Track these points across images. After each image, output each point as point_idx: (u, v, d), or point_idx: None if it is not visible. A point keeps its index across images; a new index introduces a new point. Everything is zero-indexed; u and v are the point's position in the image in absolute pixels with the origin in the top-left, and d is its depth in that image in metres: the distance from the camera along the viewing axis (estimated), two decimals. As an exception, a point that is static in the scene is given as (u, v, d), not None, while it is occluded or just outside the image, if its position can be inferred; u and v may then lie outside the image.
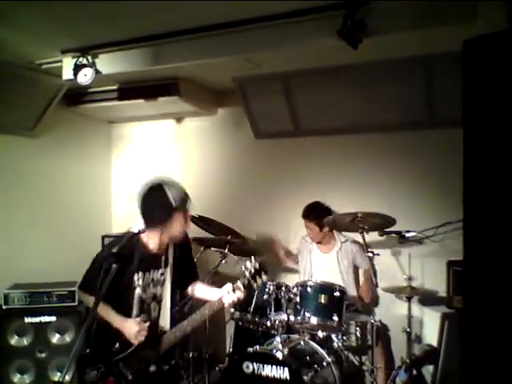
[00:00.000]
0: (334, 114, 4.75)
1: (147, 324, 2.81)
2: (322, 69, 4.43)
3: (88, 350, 2.83)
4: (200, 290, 3.15)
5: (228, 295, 2.83)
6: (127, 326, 2.78)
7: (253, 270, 2.79)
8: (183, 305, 3.68)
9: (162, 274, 2.94)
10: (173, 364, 2.92)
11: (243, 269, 2.82)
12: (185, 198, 2.89)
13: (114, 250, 2.60)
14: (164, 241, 2.90)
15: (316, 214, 4.37)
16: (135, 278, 2.86)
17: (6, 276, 4.50)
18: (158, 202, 2.80)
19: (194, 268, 3.22)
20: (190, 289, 3.16)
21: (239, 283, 2.82)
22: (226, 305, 2.86)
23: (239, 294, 2.83)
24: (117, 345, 2.80)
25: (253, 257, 2.84)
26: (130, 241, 2.78)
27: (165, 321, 2.91)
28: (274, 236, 4.87)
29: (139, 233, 2.80)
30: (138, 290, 2.87)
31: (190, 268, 3.16)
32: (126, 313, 2.85)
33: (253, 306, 3.76)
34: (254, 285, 2.82)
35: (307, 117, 4.95)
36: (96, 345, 2.82)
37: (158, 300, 2.95)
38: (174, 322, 2.93)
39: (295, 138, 5.13)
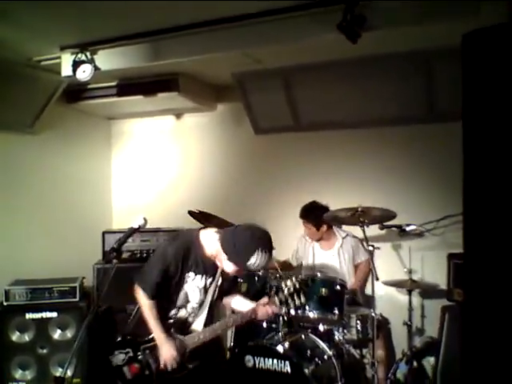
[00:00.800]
0: (333, 108, 4.75)
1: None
2: (321, 64, 4.42)
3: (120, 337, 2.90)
4: (237, 301, 3.19)
5: (263, 308, 2.91)
6: (166, 348, 2.78)
7: (292, 289, 2.83)
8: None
9: (211, 283, 2.96)
10: (198, 364, 2.91)
11: (283, 286, 2.86)
12: (257, 269, 2.82)
13: (115, 246, 2.62)
14: (216, 257, 2.87)
15: (313, 214, 4.38)
16: (186, 276, 2.87)
17: (7, 272, 4.51)
18: (242, 247, 2.70)
19: (236, 286, 3.34)
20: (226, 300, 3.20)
21: (276, 299, 2.88)
22: (260, 317, 2.96)
23: (274, 309, 2.91)
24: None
25: (294, 277, 2.91)
26: (190, 244, 2.85)
27: (199, 327, 2.95)
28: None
29: (199, 230, 2.90)
30: (185, 290, 2.89)
31: (232, 285, 3.20)
32: (168, 308, 2.89)
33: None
34: (291, 304, 2.86)
35: (307, 112, 4.94)
36: (130, 332, 2.90)
37: (200, 306, 2.98)
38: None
39: (295, 133, 5.13)
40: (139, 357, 2.82)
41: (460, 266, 3.91)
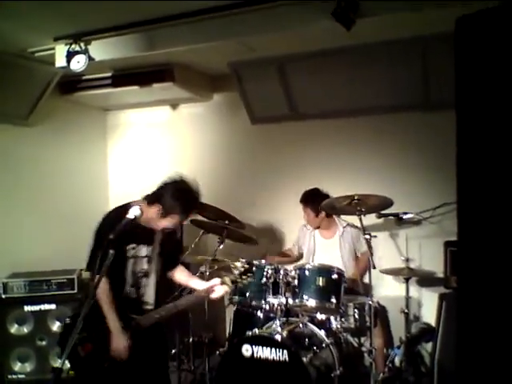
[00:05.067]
0: (329, 97, 4.74)
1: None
2: (317, 52, 4.40)
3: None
4: (181, 275, 3.27)
5: (216, 288, 3.05)
6: (118, 339, 2.83)
7: (241, 269, 3.03)
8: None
9: (152, 251, 3.02)
10: (154, 341, 3.00)
11: (232, 267, 3.10)
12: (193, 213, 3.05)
13: (111, 237, 2.61)
14: (151, 222, 2.94)
15: (312, 199, 4.38)
16: (127, 248, 2.94)
17: (4, 265, 4.52)
18: (173, 198, 2.88)
19: (179, 254, 3.38)
20: (172, 272, 3.26)
21: (227, 278, 3.05)
22: (213, 297, 3.08)
23: (226, 289, 3.09)
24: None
25: (241, 258, 3.13)
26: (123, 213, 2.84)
27: (150, 297, 3.02)
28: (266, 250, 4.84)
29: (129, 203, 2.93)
30: (130, 262, 2.96)
31: (174, 252, 3.28)
32: (121, 285, 2.94)
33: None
34: (240, 283, 3.10)
35: (303, 101, 4.93)
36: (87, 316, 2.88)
37: (147, 276, 3.03)
38: (158, 300, 3.05)
39: (291, 122, 5.11)
40: (93, 337, 2.87)
41: (456, 254, 3.91)
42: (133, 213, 2.74)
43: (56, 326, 4.33)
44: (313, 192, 4.45)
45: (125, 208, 2.80)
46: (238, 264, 3.06)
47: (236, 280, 3.05)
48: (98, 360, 2.86)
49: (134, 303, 2.98)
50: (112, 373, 2.84)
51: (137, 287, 3.00)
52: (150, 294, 3.02)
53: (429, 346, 4.17)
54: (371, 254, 3.71)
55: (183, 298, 3.08)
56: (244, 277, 3.05)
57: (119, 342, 2.82)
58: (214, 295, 3.08)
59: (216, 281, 3.07)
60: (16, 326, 4.30)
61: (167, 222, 2.92)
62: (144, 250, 3.01)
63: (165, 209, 2.87)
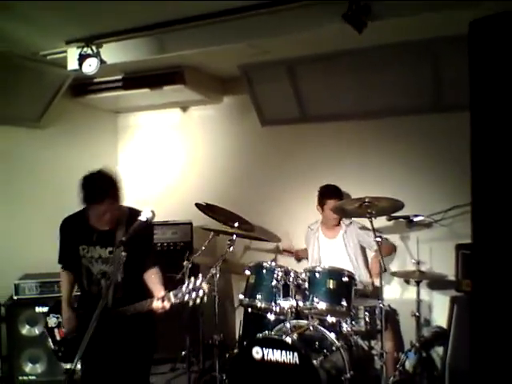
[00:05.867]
0: (340, 99, 4.73)
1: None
2: (327, 54, 4.40)
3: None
4: (149, 279, 3.08)
5: (157, 302, 2.82)
6: (64, 314, 3.11)
7: (191, 286, 2.76)
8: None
9: (111, 253, 2.97)
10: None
11: (186, 282, 2.80)
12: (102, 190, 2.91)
13: (124, 239, 2.63)
14: (93, 220, 2.98)
15: (338, 194, 4.40)
16: (80, 249, 3.01)
17: (16, 266, 4.55)
18: (92, 184, 2.91)
19: (149, 255, 3.14)
20: (143, 274, 3.11)
21: (171, 294, 2.80)
22: (154, 308, 2.84)
23: (166, 305, 2.81)
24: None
25: (201, 276, 2.80)
26: (78, 215, 3.05)
27: (109, 297, 2.87)
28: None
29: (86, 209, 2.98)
30: (84, 262, 3.02)
31: (144, 254, 3.08)
32: (81, 283, 3.07)
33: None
34: (190, 302, 2.76)
35: (313, 103, 4.93)
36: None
37: (106, 277, 3.00)
38: (119, 302, 2.93)
39: (301, 124, 5.11)
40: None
41: (468, 257, 3.89)
42: (145, 215, 2.76)
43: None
44: (336, 187, 4.45)
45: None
46: (192, 280, 2.76)
47: (182, 296, 2.77)
48: (72, 343, 3.01)
49: (95, 301, 2.78)
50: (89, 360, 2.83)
51: (97, 286, 3.02)
52: (109, 294, 2.86)
53: (439, 349, 4.15)
54: (382, 257, 3.70)
55: (132, 305, 2.89)
56: (194, 295, 2.74)
57: (65, 320, 3.07)
58: (154, 306, 2.84)
59: (161, 293, 2.86)
60: (27, 327, 4.33)
61: (94, 212, 2.92)
62: (97, 252, 3.00)
63: (82, 201, 2.90)
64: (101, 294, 2.93)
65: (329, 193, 4.43)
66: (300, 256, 4.88)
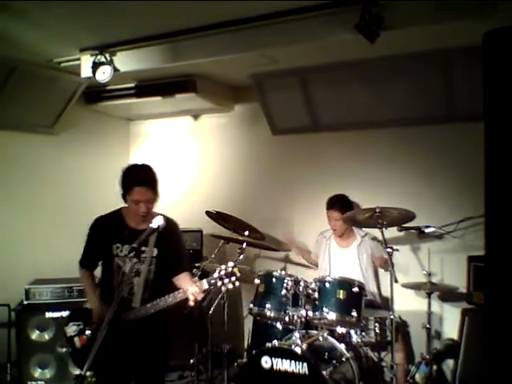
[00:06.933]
0: (351, 108, 4.73)
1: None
2: (339, 63, 4.41)
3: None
4: (180, 280, 3.08)
5: (192, 287, 2.85)
6: (93, 304, 3.03)
7: (223, 272, 2.83)
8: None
9: (143, 252, 2.91)
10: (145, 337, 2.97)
11: (218, 268, 2.86)
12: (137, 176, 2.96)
13: (135, 245, 2.64)
14: (131, 217, 3.02)
15: (341, 204, 4.36)
16: (114, 247, 2.99)
17: (27, 271, 4.57)
18: (120, 178, 2.98)
19: (180, 258, 3.16)
20: (174, 277, 3.11)
21: (204, 281, 2.86)
22: (189, 294, 2.85)
23: (201, 287, 2.86)
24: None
25: (230, 261, 2.88)
26: (112, 214, 3.07)
27: (136, 299, 2.90)
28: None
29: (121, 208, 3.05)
30: (116, 260, 2.99)
31: (175, 256, 3.10)
32: (109, 280, 3.01)
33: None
34: (223, 287, 2.86)
35: (324, 112, 4.93)
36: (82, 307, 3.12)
37: (138, 276, 2.96)
38: (149, 300, 2.94)
39: (312, 133, 5.12)
40: (89, 329, 2.99)
41: (480, 269, 3.85)
42: (156, 222, 2.77)
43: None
44: (341, 197, 4.44)
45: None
46: (223, 266, 2.85)
47: (216, 283, 2.84)
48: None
49: (123, 299, 2.86)
50: (105, 364, 2.80)
51: (128, 286, 2.98)
52: (138, 293, 2.90)
53: (450, 362, 4.10)
54: (393, 268, 3.67)
55: (163, 298, 2.90)
56: (226, 280, 2.84)
57: (96, 312, 2.96)
58: (188, 294, 2.86)
59: (194, 279, 2.96)
60: (37, 332, 4.33)
61: (131, 204, 2.95)
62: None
63: (121, 191, 2.95)
64: (130, 293, 2.95)
65: (328, 204, 4.44)
66: (301, 253, 4.85)
